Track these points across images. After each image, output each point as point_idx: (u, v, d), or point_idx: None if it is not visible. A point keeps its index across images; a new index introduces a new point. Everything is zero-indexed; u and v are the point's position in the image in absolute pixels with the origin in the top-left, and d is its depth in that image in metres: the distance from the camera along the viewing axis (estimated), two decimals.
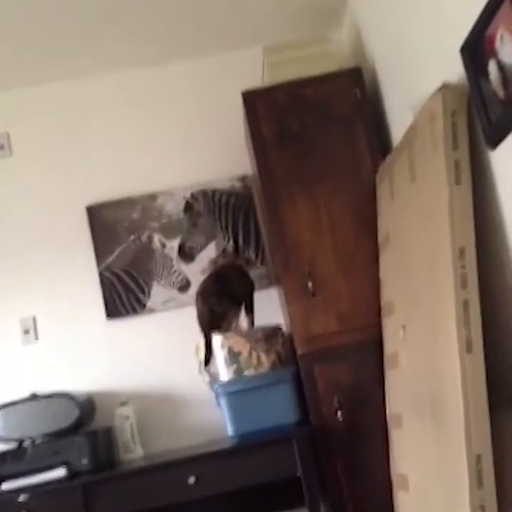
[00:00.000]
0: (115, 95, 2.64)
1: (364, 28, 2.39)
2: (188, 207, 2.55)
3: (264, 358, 2.10)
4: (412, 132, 1.81)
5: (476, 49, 1.50)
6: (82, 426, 2.23)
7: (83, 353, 2.45)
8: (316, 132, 2.19)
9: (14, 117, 2.59)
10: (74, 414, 2.16)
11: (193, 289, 2.42)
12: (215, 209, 2.55)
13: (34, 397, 2.22)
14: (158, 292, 2.50)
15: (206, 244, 2.54)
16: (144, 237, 2.53)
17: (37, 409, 2.19)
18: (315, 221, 2.15)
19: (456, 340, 1.43)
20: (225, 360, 2.11)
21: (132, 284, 2.49)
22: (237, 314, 2.22)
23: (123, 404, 2.32)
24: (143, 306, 2.49)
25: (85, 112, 2.62)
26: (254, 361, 2.10)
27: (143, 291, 2.50)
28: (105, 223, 2.52)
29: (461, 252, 1.50)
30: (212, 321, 2.16)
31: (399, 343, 1.82)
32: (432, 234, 1.60)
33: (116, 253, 2.51)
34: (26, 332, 2.46)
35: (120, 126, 2.62)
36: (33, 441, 2.15)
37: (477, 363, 1.43)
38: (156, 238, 2.53)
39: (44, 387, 2.29)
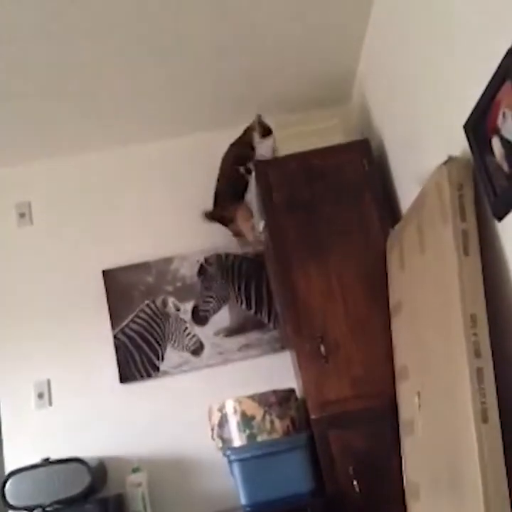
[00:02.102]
0: (130, 166, 2.74)
1: (371, 102, 2.49)
2: (202, 271, 2.60)
3: (277, 423, 2.09)
4: (419, 203, 1.87)
5: (479, 126, 1.57)
6: (94, 493, 2.19)
7: (96, 418, 2.44)
8: (326, 200, 2.26)
9: (35, 187, 2.69)
10: (86, 480, 2.13)
11: (207, 352, 2.47)
12: (228, 273, 2.60)
13: (46, 462, 2.19)
14: (172, 355, 2.51)
15: (219, 307, 2.57)
16: (159, 301, 2.57)
17: (49, 475, 2.15)
18: (326, 286, 2.19)
19: (472, 410, 1.43)
20: (238, 425, 2.10)
21: (146, 347, 2.52)
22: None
23: (135, 470, 2.29)
24: (157, 369, 2.50)
25: (102, 182, 2.71)
26: (268, 426, 2.08)
27: (157, 355, 2.52)
28: (121, 287, 2.57)
29: (473, 320, 1.52)
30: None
31: (414, 410, 1.81)
32: (444, 302, 1.63)
33: (130, 317, 2.54)
34: (40, 396, 2.46)
35: (136, 194, 2.71)
36: (44, 509, 2.11)
37: (493, 433, 1.43)
38: (171, 301, 2.57)
39: (56, 452, 2.27)
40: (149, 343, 2.52)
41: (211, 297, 2.58)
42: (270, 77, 2.48)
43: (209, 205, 2.62)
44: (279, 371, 2.43)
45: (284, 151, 2.36)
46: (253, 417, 2.09)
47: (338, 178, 2.28)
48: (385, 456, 1.98)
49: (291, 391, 2.20)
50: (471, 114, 1.60)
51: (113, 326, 2.53)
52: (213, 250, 2.61)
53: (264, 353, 2.50)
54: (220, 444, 2.15)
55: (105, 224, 2.67)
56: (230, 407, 2.12)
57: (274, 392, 2.18)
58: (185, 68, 2.33)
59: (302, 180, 2.29)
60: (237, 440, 2.09)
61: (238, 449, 2.07)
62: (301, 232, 2.24)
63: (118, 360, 2.50)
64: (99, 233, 2.65)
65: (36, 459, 2.22)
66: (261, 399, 2.12)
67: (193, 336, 2.54)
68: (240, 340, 2.52)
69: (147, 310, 2.56)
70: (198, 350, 2.52)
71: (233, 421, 2.11)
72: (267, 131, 2.37)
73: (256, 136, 2.37)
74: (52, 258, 2.61)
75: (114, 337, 2.52)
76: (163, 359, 2.51)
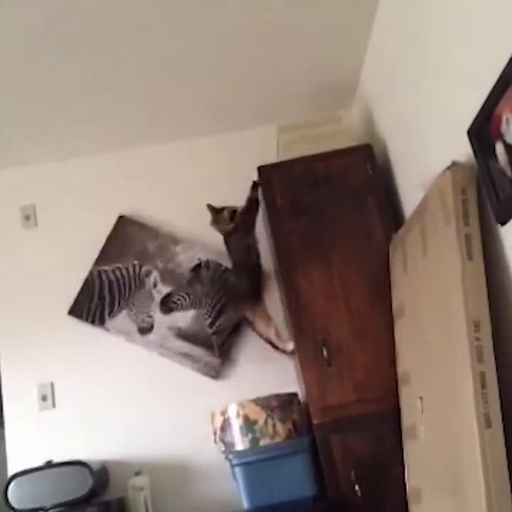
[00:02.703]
0: (137, 169, 2.74)
1: (374, 107, 2.50)
2: (196, 269, 2.58)
3: (279, 426, 2.09)
4: (423, 207, 1.87)
5: (483, 131, 1.57)
6: (96, 496, 2.19)
7: (98, 421, 2.45)
8: (329, 204, 2.27)
9: (40, 190, 2.70)
10: (88, 483, 2.12)
11: (151, 337, 2.51)
12: (216, 285, 2.56)
13: (49, 465, 2.20)
14: (122, 320, 2.53)
15: (188, 308, 2.55)
16: (144, 269, 2.58)
17: (51, 478, 2.15)
18: (329, 289, 2.19)
19: (475, 415, 1.43)
20: (241, 429, 2.09)
21: (107, 299, 2.54)
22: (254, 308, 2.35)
23: (137, 473, 2.29)
24: (102, 321, 2.53)
25: (108, 185, 2.72)
26: (270, 430, 2.08)
27: (111, 310, 2.54)
28: (122, 237, 2.61)
29: (476, 325, 1.53)
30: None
31: (417, 415, 1.81)
32: (447, 307, 1.63)
33: (114, 266, 2.58)
34: (44, 398, 2.47)
35: (143, 197, 2.71)
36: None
37: (496, 438, 1.42)
38: (153, 276, 2.57)
39: (60, 454, 2.29)
40: (112, 297, 2.54)
41: (187, 295, 2.56)
42: (274, 81, 2.49)
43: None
44: (280, 375, 2.41)
45: (287, 155, 2.37)
46: (255, 421, 2.09)
47: (342, 182, 2.29)
48: (388, 461, 1.98)
49: (294, 395, 2.20)
50: (475, 120, 1.60)
51: (96, 263, 2.58)
52: (217, 254, 2.57)
53: (197, 370, 2.47)
54: (223, 448, 2.15)
55: (108, 227, 2.66)
56: (232, 410, 2.12)
57: (277, 395, 2.18)
58: (190, 73, 2.34)
59: (306, 184, 2.29)
60: (240, 444, 2.09)
61: (240, 453, 2.07)
62: (304, 235, 2.24)
63: (80, 292, 2.54)
64: (101, 236, 2.64)
65: (39, 462, 2.23)
66: (263, 403, 2.12)
67: (150, 316, 2.54)
68: (184, 346, 2.51)
69: (130, 269, 2.57)
70: (146, 330, 2.52)
71: (236, 425, 2.11)
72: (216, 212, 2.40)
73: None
74: (56, 260, 2.62)
75: (90, 272, 2.56)
76: (111, 316, 2.53)
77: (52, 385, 2.48)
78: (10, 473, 2.29)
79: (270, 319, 2.37)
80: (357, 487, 1.98)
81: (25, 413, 2.45)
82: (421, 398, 1.78)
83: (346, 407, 2.06)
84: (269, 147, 2.53)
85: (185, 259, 2.60)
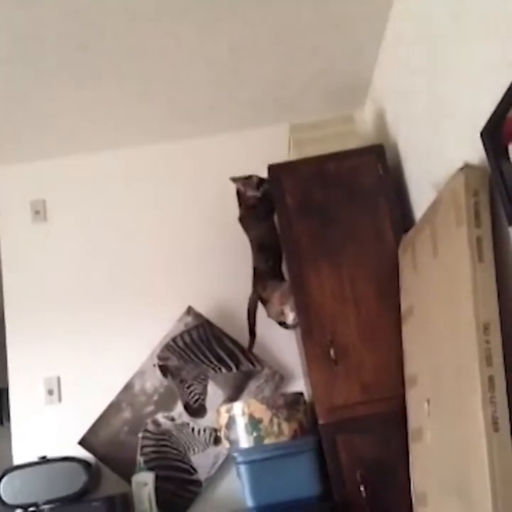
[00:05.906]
0: (147, 166, 2.75)
1: (387, 107, 2.49)
2: (164, 370, 2.45)
3: (285, 426, 2.09)
4: (434, 208, 1.86)
5: (496, 133, 1.56)
6: (90, 492, 2.19)
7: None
8: (339, 204, 2.25)
9: (50, 185, 2.72)
10: (82, 479, 2.12)
11: None
12: (186, 354, 2.47)
13: (42, 460, 2.19)
14: (201, 462, 2.38)
15: (205, 389, 2.43)
16: (151, 426, 2.40)
17: (44, 474, 2.15)
18: (338, 290, 2.18)
19: (482, 418, 1.42)
20: (246, 427, 2.09)
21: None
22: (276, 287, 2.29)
23: (141, 469, 2.30)
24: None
25: (118, 182, 2.73)
26: (275, 429, 2.08)
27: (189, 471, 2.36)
28: (112, 449, 2.38)
29: (486, 328, 1.51)
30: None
31: (423, 418, 1.80)
32: (456, 309, 1.62)
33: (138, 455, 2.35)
34: (50, 392, 2.47)
35: (152, 194, 2.72)
36: (39, 507, 2.10)
37: (504, 442, 1.41)
38: (161, 418, 2.41)
39: (66, 448, 2.31)
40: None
41: (191, 386, 2.44)
42: (286, 80, 2.48)
43: (219, 209, 2.60)
44: None
45: (298, 155, 2.36)
46: (260, 420, 2.09)
47: (352, 182, 2.27)
48: (393, 462, 1.97)
49: (300, 394, 2.19)
50: (488, 121, 1.59)
51: None
52: (158, 345, 2.47)
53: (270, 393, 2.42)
54: (228, 446, 2.15)
55: (119, 225, 2.68)
56: (237, 408, 2.12)
57: (283, 395, 2.18)
58: (201, 71, 2.34)
59: (316, 184, 2.28)
60: (245, 442, 2.09)
61: (245, 451, 2.06)
62: (313, 235, 2.23)
63: None
64: (111, 231, 2.66)
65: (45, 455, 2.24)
66: (269, 402, 2.12)
67: (204, 429, 2.40)
68: (243, 398, 2.40)
69: (147, 440, 2.37)
70: (218, 441, 2.37)
71: (241, 423, 2.10)
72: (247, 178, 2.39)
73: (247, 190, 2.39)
74: (64, 255, 2.63)
75: None
76: (196, 471, 2.37)
77: (58, 379, 2.49)
78: None
79: (287, 297, 2.29)
80: (362, 488, 1.98)
81: (31, 407, 2.46)
82: (428, 401, 1.77)
83: (352, 407, 2.06)
84: (280, 146, 2.53)
85: (151, 379, 2.43)
